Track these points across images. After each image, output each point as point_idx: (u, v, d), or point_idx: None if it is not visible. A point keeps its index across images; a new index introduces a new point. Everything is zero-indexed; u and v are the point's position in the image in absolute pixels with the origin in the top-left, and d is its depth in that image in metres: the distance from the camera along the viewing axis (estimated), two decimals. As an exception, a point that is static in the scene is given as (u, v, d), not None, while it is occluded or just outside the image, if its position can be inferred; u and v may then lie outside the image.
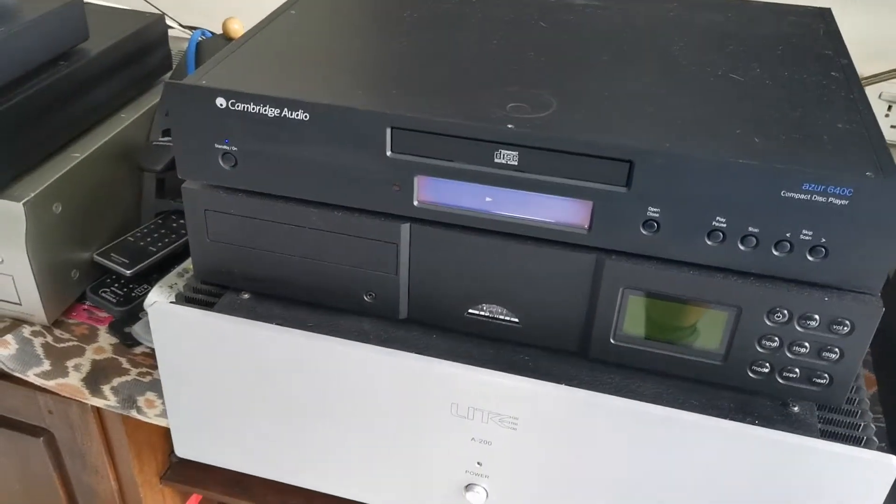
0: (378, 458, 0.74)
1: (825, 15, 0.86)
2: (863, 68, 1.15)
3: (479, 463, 0.71)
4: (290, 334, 0.70)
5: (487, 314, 0.70)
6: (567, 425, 0.67)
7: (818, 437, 0.63)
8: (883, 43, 1.17)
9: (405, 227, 0.67)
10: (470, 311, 0.71)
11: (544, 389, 0.66)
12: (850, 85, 0.71)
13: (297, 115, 0.64)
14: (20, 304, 0.90)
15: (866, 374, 0.88)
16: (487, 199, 0.65)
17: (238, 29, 1.13)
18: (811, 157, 0.59)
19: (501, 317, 0.70)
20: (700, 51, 0.76)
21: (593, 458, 0.67)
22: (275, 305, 0.76)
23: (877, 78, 1.14)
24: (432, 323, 0.73)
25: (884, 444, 0.65)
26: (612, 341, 0.68)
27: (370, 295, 0.72)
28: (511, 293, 0.69)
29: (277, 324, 0.71)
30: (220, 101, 0.65)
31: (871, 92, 1.17)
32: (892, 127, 1.20)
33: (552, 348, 0.71)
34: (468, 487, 0.73)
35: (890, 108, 1.20)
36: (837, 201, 0.58)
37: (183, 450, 0.82)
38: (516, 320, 0.70)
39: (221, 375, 0.74)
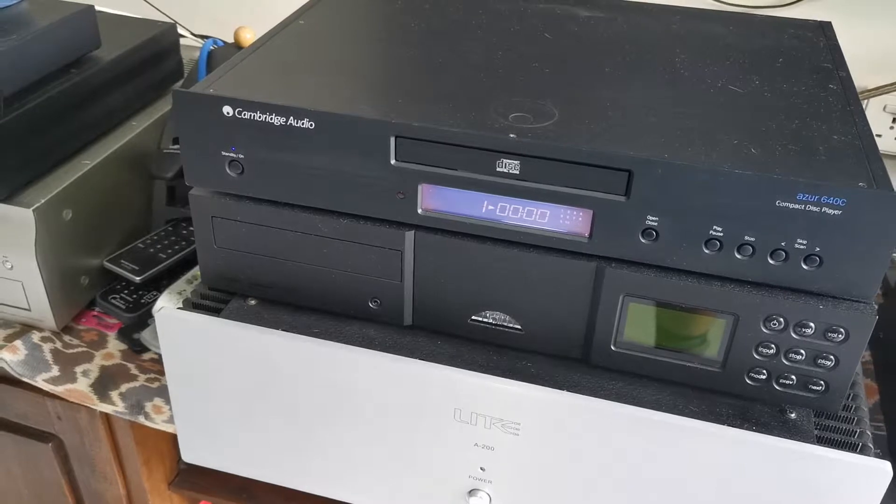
0: (382, 463, 0.75)
1: (825, 28, 0.87)
2: (867, 80, 1.16)
3: (482, 468, 0.72)
4: (296, 340, 0.71)
5: (490, 321, 0.71)
6: (569, 431, 0.67)
7: (814, 443, 0.64)
8: (887, 55, 1.18)
9: (409, 235, 0.69)
10: (473, 317, 0.72)
11: (546, 395, 0.67)
12: (847, 97, 0.72)
13: (303, 124, 0.65)
14: (29, 310, 0.91)
15: (868, 382, 0.89)
16: (490, 207, 0.66)
17: (250, 38, 1.14)
18: (806, 168, 0.60)
19: (504, 324, 0.71)
20: (701, 62, 0.77)
21: (594, 463, 0.68)
22: (281, 312, 0.77)
23: (881, 90, 1.15)
24: (436, 329, 0.74)
25: (879, 451, 0.66)
26: (612, 348, 0.69)
27: (375, 302, 0.73)
28: (513, 300, 0.70)
29: (284, 330, 0.72)
30: (227, 110, 0.66)
31: (875, 104, 1.18)
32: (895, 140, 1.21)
33: (554, 355, 0.72)
34: (471, 492, 0.73)
35: (894, 120, 1.20)
36: (831, 211, 0.59)
37: (190, 455, 0.83)
38: (519, 327, 0.71)
39: (228, 381, 0.75)
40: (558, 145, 0.62)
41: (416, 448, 0.73)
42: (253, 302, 0.78)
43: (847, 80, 0.74)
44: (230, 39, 1.19)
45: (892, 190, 0.58)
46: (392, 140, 0.64)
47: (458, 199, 0.66)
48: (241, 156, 0.68)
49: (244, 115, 0.66)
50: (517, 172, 0.63)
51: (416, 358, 0.70)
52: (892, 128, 1.21)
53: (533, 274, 0.68)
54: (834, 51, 0.81)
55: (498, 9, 0.89)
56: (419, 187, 0.66)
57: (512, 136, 0.62)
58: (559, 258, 0.67)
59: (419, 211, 0.67)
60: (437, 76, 0.73)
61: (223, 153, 0.68)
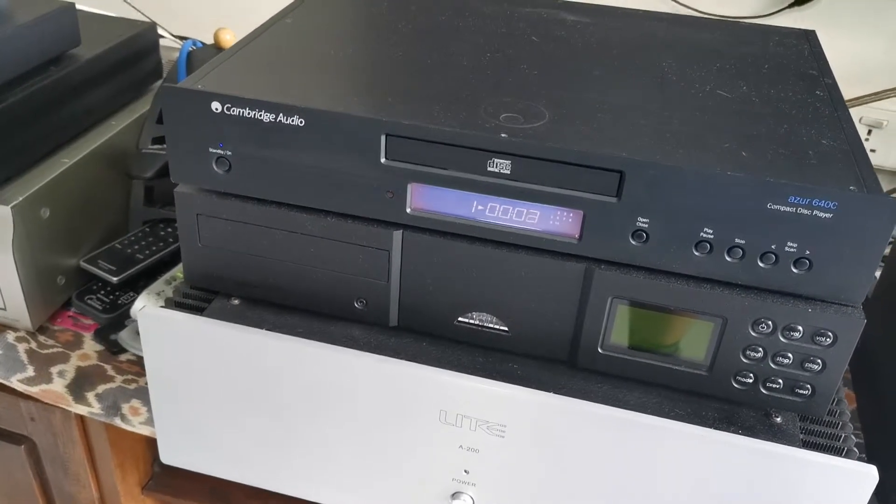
0: (365, 465, 0.74)
1: (810, 36, 0.88)
2: (843, 92, 1.18)
3: (466, 471, 0.72)
4: (280, 340, 0.70)
5: (477, 322, 0.71)
6: (554, 433, 0.67)
7: (800, 447, 0.64)
8: (862, 67, 1.20)
9: (397, 235, 0.68)
10: (460, 319, 0.71)
11: (532, 397, 0.67)
12: (834, 103, 0.72)
13: (293, 121, 0.65)
14: (5, 310, 0.90)
15: (846, 391, 0.89)
16: (480, 207, 0.66)
17: (229, 39, 1.13)
18: (797, 172, 0.61)
19: (491, 325, 0.71)
20: (688, 67, 0.78)
21: (580, 466, 0.68)
22: (265, 311, 0.76)
23: (857, 101, 1.16)
24: (422, 331, 0.73)
25: (863, 455, 0.66)
26: (599, 351, 0.69)
27: (361, 302, 0.72)
28: (501, 302, 0.69)
29: (268, 329, 0.71)
30: (216, 106, 0.65)
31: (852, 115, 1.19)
32: (871, 151, 1.22)
33: (541, 357, 0.72)
34: (455, 495, 0.73)
35: (870, 132, 1.22)
36: (822, 214, 0.59)
37: (168, 456, 0.81)
38: (506, 329, 0.71)
39: (210, 381, 0.74)
40: (550, 145, 0.62)
41: (399, 450, 0.72)
42: (236, 301, 0.77)
43: (833, 87, 0.75)
44: (210, 41, 1.18)
45: (883, 194, 0.58)
46: (383, 138, 0.64)
47: (448, 198, 0.66)
48: (229, 153, 0.67)
49: (233, 111, 0.65)
50: (508, 172, 0.63)
51: (401, 359, 0.69)
52: (867, 139, 1.23)
53: (521, 275, 0.67)
54: (819, 58, 0.82)
55: (484, 12, 0.89)
56: (409, 186, 0.66)
57: (503, 135, 0.62)
58: (548, 259, 0.66)
59: (408, 210, 0.67)
60: (426, 76, 0.73)
61: (210, 150, 0.68)
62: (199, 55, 1.12)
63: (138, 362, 0.91)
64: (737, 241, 0.61)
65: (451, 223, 0.67)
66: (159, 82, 1.13)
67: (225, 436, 0.77)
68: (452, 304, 0.71)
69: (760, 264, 0.62)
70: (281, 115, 0.64)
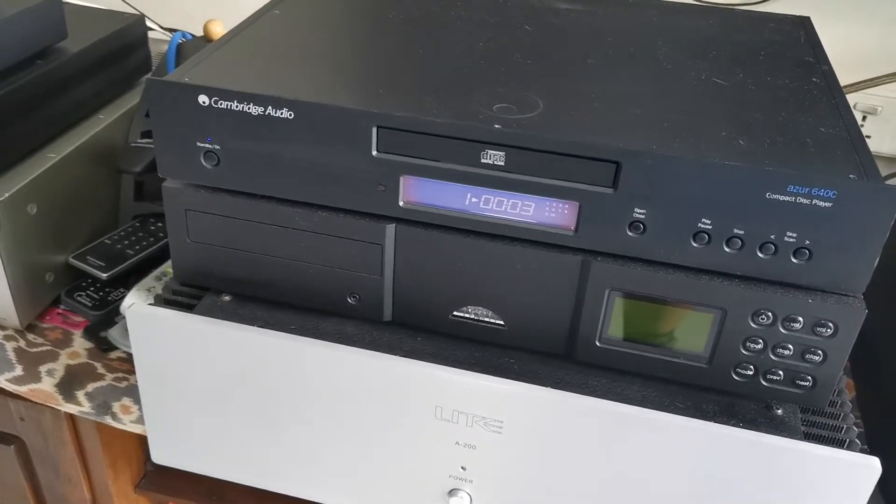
0: (361, 463, 0.73)
1: (805, 23, 0.87)
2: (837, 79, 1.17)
3: (463, 467, 0.71)
4: (272, 337, 0.69)
5: (473, 316, 0.70)
6: (552, 428, 0.66)
7: (802, 440, 0.63)
8: (856, 54, 1.19)
9: (390, 228, 0.67)
10: (455, 313, 0.70)
11: (529, 392, 0.66)
12: (831, 90, 0.71)
13: (282, 114, 0.63)
14: (-8, 308, 0.89)
15: (846, 380, 0.89)
16: (474, 199, 0.65)
17: (219, 31, 1.12)
18: (796, 160, 0.60)
19: (487, 319, 0.70)
20: (684, 55, 0.77)
21: (578, 462, 0.67)
22: (257, 308, 0.75)
23: (852, 88, 1.15)
24: (417, 325, 0.73)
25: (865, 447, 0.66)
26: (597, 344, 0.68)
27: (354, 297, 0.71)
28: (497, 295, 0.68)
29: (259, 326, 0.70)
30: (203, 99, 0.64)
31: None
32: (867, 137, 1.21)
33: (538, 351, 0.71)
34: (452, 493, 0.72)
35: (865, 118, 1.22)
36: (821, 203, 0.58)
37: (160, 456, 0.81)
38: (502, 322, 0.70)
39: (201, 379, 0.73)
40: (545, 136, 0.61)
41: (395, 447, 0.72)
42: (227, 298, 0.76)
43: (830, 74, 0.74)
44: (199, 33, 1.17)
45: (883, 181, 0.57)
46: (374, 130, 0.63)
47: (441, 191, 0.65)
48: (217, 147, 0.66)
49: (220, 104, 0.64)
50: (502, 164, 0.62)
51: (396, 355, 0.68)
52: (862, 125, 1.22)
53: (517, 268, 0.67)
54: (815, 45, 0.81)
55: (475, 1, 0.88)
56: (401, 179, 0.64)
57: (497, 126, 0.61)
58: (544, 252, 0.65)
59: (400, 203, 0.66)
60: (418, 67, 0.72)
61: (198, 144, 0.66)
62: (189, 47, 1.11)
63: (129, 360, 0.90)
64: (735, 231, 0.60)
65: (444, 216, 0.66)
66: (148, 75, 1.12)
67: (217, 435, 0.76)
68: (447, 298, 0.70)
69: (759, 254, 0.61)
70: (269, 107, 0.63)
